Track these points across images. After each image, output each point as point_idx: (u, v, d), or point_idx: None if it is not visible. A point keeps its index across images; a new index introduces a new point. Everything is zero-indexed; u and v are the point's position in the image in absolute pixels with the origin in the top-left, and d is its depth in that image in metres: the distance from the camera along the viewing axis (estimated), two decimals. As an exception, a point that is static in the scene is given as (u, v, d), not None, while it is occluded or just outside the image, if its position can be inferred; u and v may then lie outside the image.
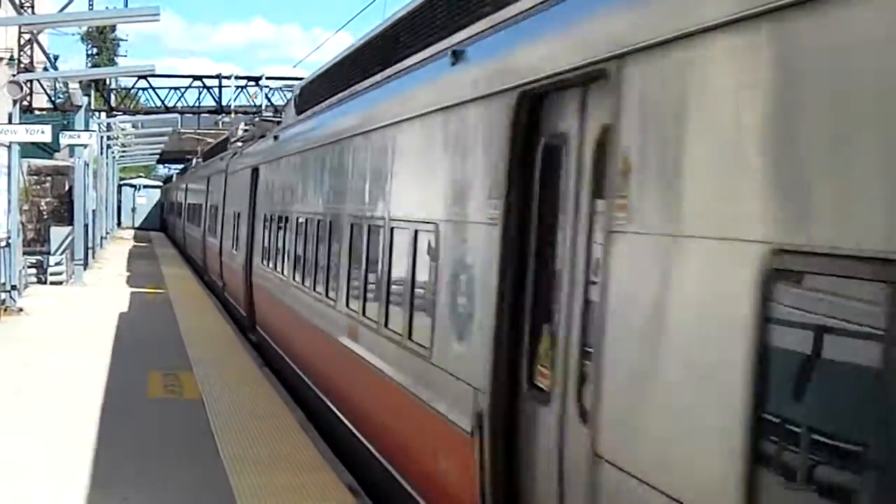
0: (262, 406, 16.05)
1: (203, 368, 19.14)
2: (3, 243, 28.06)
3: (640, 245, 5.66)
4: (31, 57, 61.52)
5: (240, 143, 31.95)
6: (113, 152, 65.60)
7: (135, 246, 64.48)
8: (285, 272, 19.23)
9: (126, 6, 69.02)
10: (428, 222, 9.70)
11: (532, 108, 7.43)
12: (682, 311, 5.24)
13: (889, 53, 3.97)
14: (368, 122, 12.84)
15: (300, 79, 66.09)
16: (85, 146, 39.31)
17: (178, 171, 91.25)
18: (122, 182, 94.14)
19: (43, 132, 30.69)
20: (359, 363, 12.34)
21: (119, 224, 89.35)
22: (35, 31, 48.99)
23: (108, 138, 59.06)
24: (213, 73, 69.98)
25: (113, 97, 71.07)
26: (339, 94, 16.61)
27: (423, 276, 9.93)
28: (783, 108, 4.58)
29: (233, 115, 67.19)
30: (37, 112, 59.42)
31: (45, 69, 55.64)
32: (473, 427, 7.93)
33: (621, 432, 5.72)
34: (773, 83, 4.65)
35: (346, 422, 13.19)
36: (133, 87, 72.47)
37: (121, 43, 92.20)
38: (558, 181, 7.03)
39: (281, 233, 20.03)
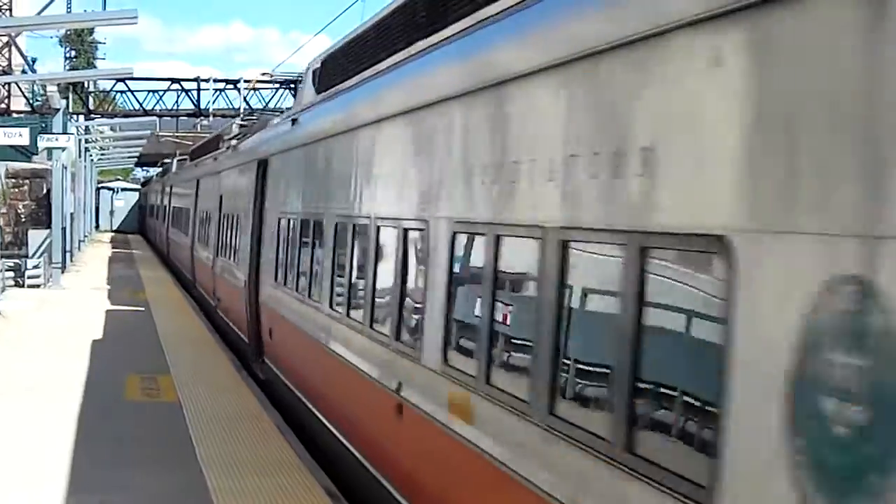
0: (239, 409, 16.08)
1: (181, 371, 19.16)
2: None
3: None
4: (9, 59, 61.38)
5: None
6: (91, 155, 65.45)
7: (113, 249, 64.33)
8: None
9: (104, 9, 68.96)
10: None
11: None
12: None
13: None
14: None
15: (279, 82, 65.98)
16: (63, 149, 39.27)
17: (155, 177, 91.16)
18: (100, 185, 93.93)
19: (21, 135, 30.71)
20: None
21: (97, 227, 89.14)
22: (13, 34, 48.92)
23: (87, 141, 58.93)
24: (191, 76, 69.70)
25: (91, 100, 70.93)
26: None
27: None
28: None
29: (211, 118, 67.18)
30: (14, 115, 59.28)
31: (23, 72, 55.55)
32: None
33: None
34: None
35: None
36: (111, 90, 72.41)
37: (99, 46, 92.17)
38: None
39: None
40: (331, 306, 13.52)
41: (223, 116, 61.88)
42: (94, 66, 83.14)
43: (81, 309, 29.40)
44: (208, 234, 30.63)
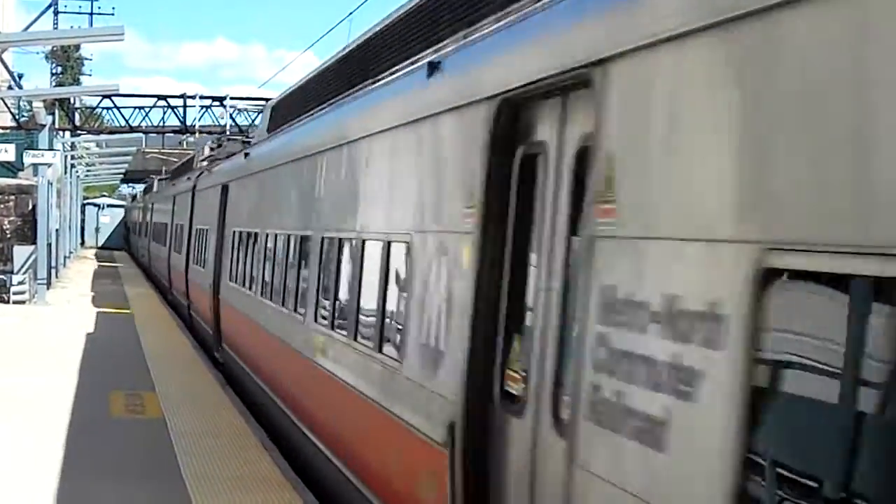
0: (224, 425, 16.09)
1: (166, 388, 19.15)
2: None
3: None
4: (-5, 75, 61.25)
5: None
6: (77, 171, 65.39)
7: (98, 265, 64.21)
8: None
9: (91, 26, 68.94)
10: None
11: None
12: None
13: None
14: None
15: (266, 99, 66.30)
16: (49, 165, 39.23)
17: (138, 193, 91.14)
18: (85, 201, 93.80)
19: (6, 151, 30.62)
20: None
21: (82, 243, 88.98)
22: (-1, 50, 48.82)
23: (73, 157, 58.86)
24: (176, 93, 69.81)
25: (77, 116, 70.94)
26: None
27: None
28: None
29: (197, 135, 67.19)
30: (0, 131, 59.15)
31: (10, 87, 55.43)
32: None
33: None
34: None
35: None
36: (97, 107, 72.40)
37: (85, 62, 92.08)
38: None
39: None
40: None
41: (209, 133, 61.89)
42: (80, 83, 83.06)
43: (66, 325, 29.35)
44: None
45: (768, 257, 4.31)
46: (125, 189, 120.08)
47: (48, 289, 39.05)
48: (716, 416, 4.57)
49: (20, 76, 64.04)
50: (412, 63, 11.14)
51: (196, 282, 29.40)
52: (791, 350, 4.28)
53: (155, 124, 71.09)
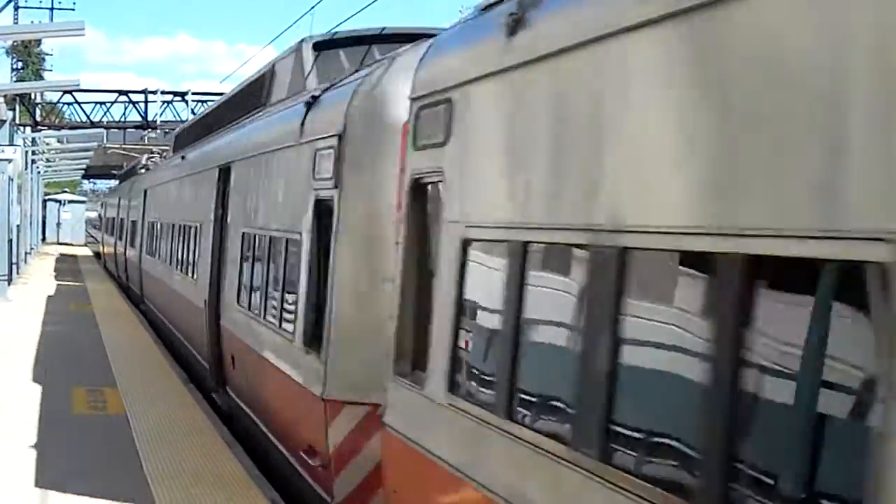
0: (186, 421, 16.05)
1: (128, 384, 19.09)
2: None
3: None
4: (-45, 71, 60.82)
5: None
6: (38, 167, 65.00)
7: (59, 261, 63.88)
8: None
9: (51, 20, 68.52)
10: None
11: None
12: None
13: None
14: None
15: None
16: (9, 161, 38.96)
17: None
18: (46, 197, 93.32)
19: (-34, 147, 30.30)
20: None
21: (44, 239, 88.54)
22: (-42, 45, 48.62)
23: (33, 153, 58.52)
24: (138, 88, 69.60)
25: (38, 112, 70.50)
26: None
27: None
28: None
29: (158, 130, 66.95)
30: (-40, 126, 58.75)
31: (-31, 83, 55.13)
32: None
33: None
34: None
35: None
36: (58, 102, 72.03)
37: (46, 57, 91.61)
38: None
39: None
40: None
41: (172, 129, 61.65)
42: (42, 78, 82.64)
43: (27, 321, 29.18)
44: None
45: None
46: (87, 185, 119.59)
47: (9, 285, 38.79)
48: None
49: (-20, 71, 63.71)
50: None
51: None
52: None
53: (116, 119, 70.79)
